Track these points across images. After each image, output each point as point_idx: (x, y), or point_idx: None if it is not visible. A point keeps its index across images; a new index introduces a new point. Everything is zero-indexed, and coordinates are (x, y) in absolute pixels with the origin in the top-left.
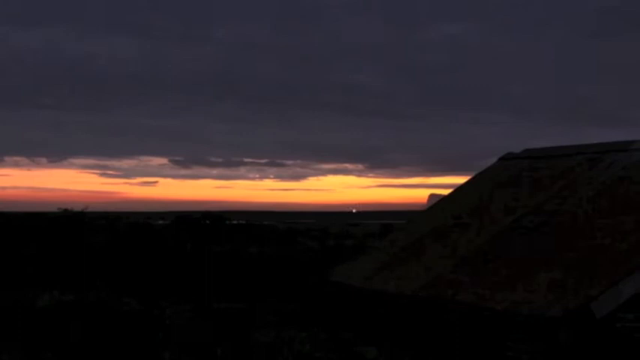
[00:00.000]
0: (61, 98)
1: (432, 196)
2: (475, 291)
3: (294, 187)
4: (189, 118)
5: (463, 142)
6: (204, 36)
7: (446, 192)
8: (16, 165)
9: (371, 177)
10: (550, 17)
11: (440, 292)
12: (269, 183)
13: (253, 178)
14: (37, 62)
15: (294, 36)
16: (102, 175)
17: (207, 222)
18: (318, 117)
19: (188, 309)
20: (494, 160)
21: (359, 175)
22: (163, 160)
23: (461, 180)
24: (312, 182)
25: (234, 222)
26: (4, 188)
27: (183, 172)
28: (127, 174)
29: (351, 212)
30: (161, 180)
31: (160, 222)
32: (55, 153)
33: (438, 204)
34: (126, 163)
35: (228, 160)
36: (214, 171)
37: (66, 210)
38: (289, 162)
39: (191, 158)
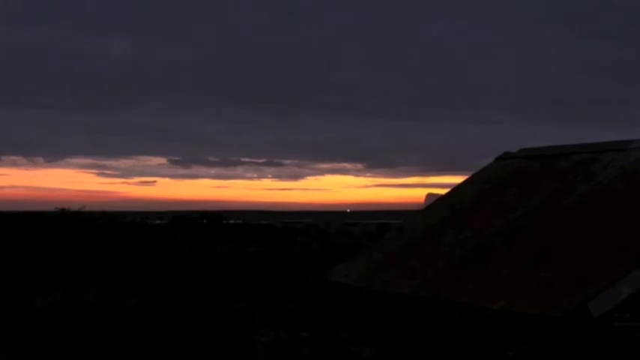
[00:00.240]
0: (58, 97)
1: (429, 195)
2: (473, 291)
3: (292, 187)
4: (188, 118)
5: (461, 141)
6: (202, 36)
7: (443, 191)
8: (14, 164)
9: (369, 177)
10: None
11: (438, 292)
12: (267, 182)
13: (251, 178)
14: (34, 61)
15: (293, 36)
16: (99, 174)
17: (205, 221)
18: (316, 117)
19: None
20: (491, 159)
21: (357, 175)
22: (162, 160)
23: (458, 179)
24: (310, 182)
25: (232, 222)
26: (1, 188)
27: (181, 171)
28: (125, 173)
29: (347, 212)
30: (159, 179)
31: (157, 221)
32: (52, 152)
33: (435, 203)
34: (123, 162)
35: (226, 159)
36: (212, 170)
37: (63, 209)
38: (287, 161)
39: (189, 158)
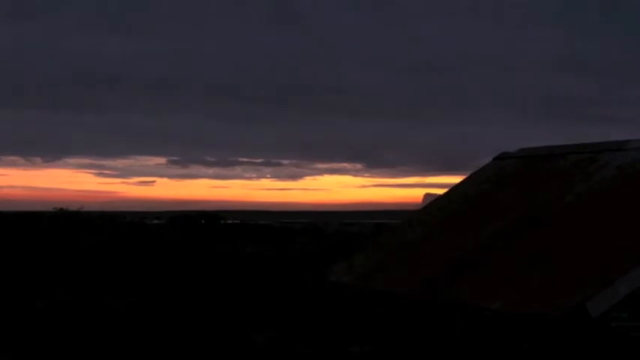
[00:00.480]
0: (56, 97)
1: (427, 195)
2: (472, 291)
3: (291, 187)
4: (187, 118)
5: (459, 141)
6: (201, 36)
7: (441, 191)
8: (12, 164)
9: (367, 177)
10: (550, 17)
11: (437, 292)
12: (265, 182)
13: (250, 178)
14: (32, 61)
15: (293, 36)
16: (98, 174)
17: (203, 221)
18: (314, 116)
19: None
20: (489, 159)
21: (355, 175)
22: (160, 160)
23: (456, 179)
24: (309, 182)
25: (230, 221)
26: (0, 187)
27: (180, 171)
28: (124, 173)
29: (346, 212)
30: (158, 179)
31: (155, 222)
32: (50, 152)
33: (433, 203)
34: (122, 162)
35: (225, 159)
36: (211, 170)
37: (62, 209)
38: (286, 161)
39: (188, 158)
